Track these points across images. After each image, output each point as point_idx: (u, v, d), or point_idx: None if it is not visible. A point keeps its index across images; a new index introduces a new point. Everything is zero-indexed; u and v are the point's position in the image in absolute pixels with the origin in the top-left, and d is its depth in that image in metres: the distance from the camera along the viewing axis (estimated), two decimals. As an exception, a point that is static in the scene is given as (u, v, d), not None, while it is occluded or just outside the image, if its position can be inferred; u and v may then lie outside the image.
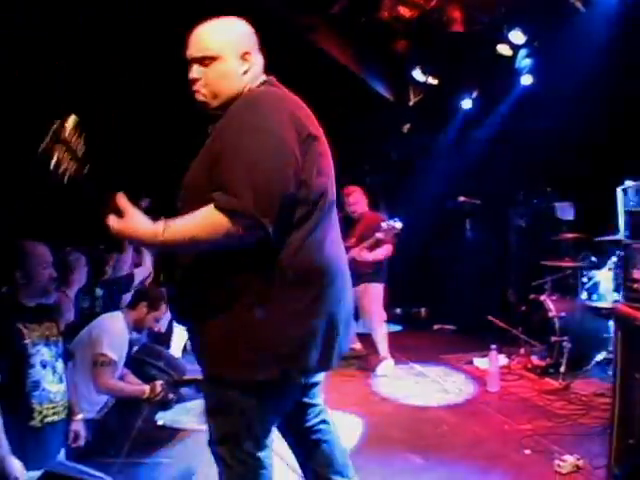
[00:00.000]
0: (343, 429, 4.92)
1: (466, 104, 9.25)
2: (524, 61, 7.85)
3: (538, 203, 7.80)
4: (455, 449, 4.47)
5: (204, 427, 4.50)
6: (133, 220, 2.20)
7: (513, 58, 7.82)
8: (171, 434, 4.97)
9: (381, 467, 4.17)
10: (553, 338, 6.19)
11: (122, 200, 2.21)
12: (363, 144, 11.22)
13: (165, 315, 5.64)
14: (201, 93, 2.42)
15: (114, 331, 4.74)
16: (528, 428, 4.79)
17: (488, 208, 8.93)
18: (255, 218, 2.11)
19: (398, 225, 6.40)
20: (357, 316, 7.43)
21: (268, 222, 2.13)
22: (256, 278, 2.26)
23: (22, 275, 3.42)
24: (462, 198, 8.61)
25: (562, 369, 5.97)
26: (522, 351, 6.84)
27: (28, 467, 3.13)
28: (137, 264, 7.04)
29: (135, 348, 5.71)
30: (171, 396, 5.08)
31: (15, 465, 3.08)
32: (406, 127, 10.09)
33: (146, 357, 5.50)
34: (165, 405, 5.30)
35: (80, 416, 3.97)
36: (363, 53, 9.04)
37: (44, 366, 3.43)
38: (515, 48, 7.67)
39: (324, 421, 2.83)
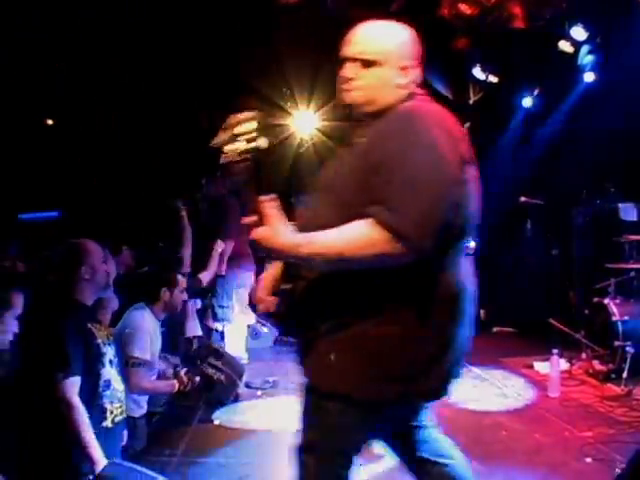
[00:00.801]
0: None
1: (527, 102, 9.11)
2: (586, 58, 7.68)
3: (601, 204, 7.61)
4: (514, 456, 4.39)
5: (260, 427, 4.52)
6: (275, 229, 2.09)
7: (575, 55, 7.66)
8: (227, 434, 5.00)
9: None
10: (616, 343, 6.03)
11: (266, 206, 2.11)
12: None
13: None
14: (352, 94, 2.30)
15: (143, 329, 4.73)
16: (589, 435, 4.68)
17: (550, 208, 8.76)
18: (415, 240, 1.97)
19: (472, 244, 6.33)
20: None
21: (427, 246, 1.99)
22: (389, 297, 2.13)
23: (86, 270, 3.44)
24: (523, 198, 8.44)
25: (625, 375, 5.80)
26: (584, 356, 6.69)
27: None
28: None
29: (194, 345, 5.76)
30: (197, 380, 5.10)
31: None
32: (466, 126, 9.96)
33: (203, 355, 5.54)
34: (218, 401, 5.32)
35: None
36: (422, 51, 8.95)
37: (112, 365, 3.47)
38: (577, 45, 7.52)
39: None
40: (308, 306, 2.28)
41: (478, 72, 8.90)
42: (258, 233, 2.10)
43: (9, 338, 3.56)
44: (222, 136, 2.10)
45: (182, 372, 4.98)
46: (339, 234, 2.03)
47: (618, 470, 3.79)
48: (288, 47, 9.05)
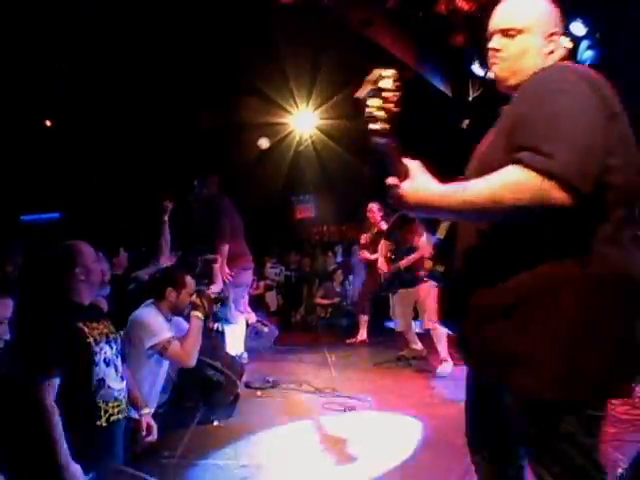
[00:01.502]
0: (401, 433, 4.86)
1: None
2: (586, 53, 7.64)
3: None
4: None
5: (260, 428, 4.41)
6: (423, 181, 2.00)
7: (574, 50, 7.62)
8: (227, 435, 4.95)
9: (441, 474, 4.07)
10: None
11: (410, 162, 2.03)
12: (421, 141, 11.08)
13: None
14: (499, 66, 2.27)
15: (151, 317, 4.63)
16: (591, 434, 4.63)
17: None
18: (569, 181, 1.83)
19: None
20: (416, 316, 7.41)
21: (583, 188, 1.84)
22: (560, 270, 1.97)
23: (81, 271, 3.46)
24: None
25: (627, 371, 5.75)
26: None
27: (94, 468, 3.17)
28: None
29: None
30: (213, 291, 5.04)
31: (75, 472, 3.10)
32: (465, 122, 9.91)
33: (202, 357, 5.49)
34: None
35: (148, 410, 3.98)
36: (420, 47, 8.93)
37: (107, 364, 3.45)
38: (576, 40, 7.48)
39: None
40: (467, 291, 2.14)
41: (477, 68, 8.86)
42: (404, 188, 1.99)
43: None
44: (365, 88, 2.01)
45: (193, 297, 4.85)
46: (489, 180, 1.92)
47: (620, 470, 3.74)
48: (287, 46, 9.03)
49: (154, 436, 3.91)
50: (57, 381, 3.17)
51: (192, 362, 4.62)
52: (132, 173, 11.81)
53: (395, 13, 7.97)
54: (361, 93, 2.00)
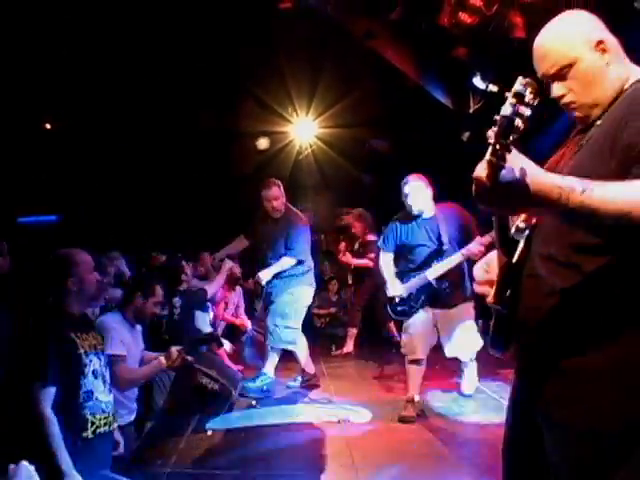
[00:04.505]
0: (394, 445, 4.85)
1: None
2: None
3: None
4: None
5: (254, 437, 4.35)
6: (533, 169, 1.67)
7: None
8: (221, 443, 4.93)
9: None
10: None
11: (515, 155, 1.68)
12: (422, 153, 11.10)
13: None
14: (572, 108, 2.08)
15: (114, 329, 4.52)
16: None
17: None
18: None
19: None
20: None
21: None
22: None
23: (74, 282, 3.43)
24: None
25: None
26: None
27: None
28: (202, 277, 7.18)
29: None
30: (190, 358, 4.94)
31: None
32: (466, 135, 9.89)
33: (197, 365, 5.45)
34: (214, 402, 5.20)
35: (116, 424, 3.93)
36: (422, 60, 8.94)
37: (95, 376, 3.43)
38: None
39: None
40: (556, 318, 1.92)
41: (478, 81, 8.83)
42: (515, 173, 1.64)
43: None
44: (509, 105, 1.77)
45: (174, 349, 4.63)
46: (627, 188, 1.65)
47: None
48: (287, 54, 9.05)
49: (120, 450, 3.85)
50: (53, 390, 3.17)
51: (124, 388, 4.48)
52: (131, 176, 11.81)
53: (397, 25, 7.97)
54: (506, 111, 1.75)
